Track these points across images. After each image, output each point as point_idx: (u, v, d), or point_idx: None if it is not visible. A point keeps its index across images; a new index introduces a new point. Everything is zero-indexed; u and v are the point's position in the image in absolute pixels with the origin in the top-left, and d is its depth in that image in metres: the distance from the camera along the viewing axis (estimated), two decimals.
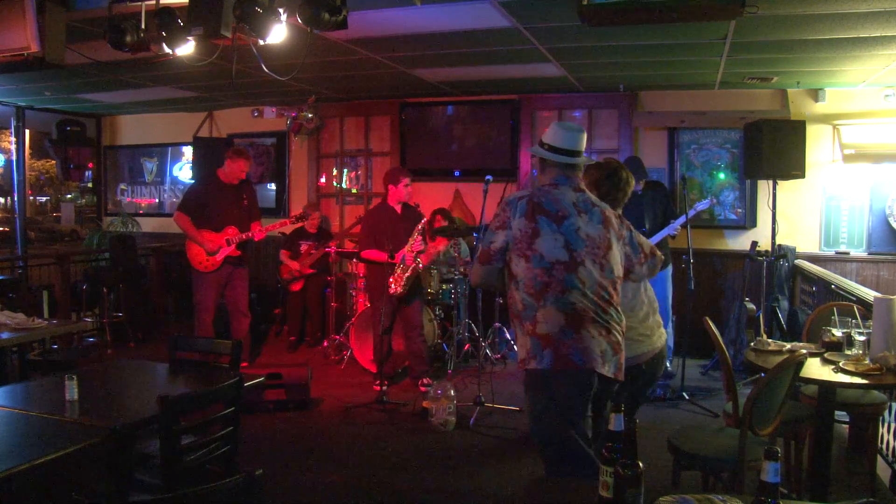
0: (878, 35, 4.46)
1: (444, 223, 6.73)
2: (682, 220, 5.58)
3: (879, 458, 3.90)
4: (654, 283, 5.77)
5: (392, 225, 5.59)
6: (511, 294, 2.79)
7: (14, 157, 8.43)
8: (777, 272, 6.15)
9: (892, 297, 3.29)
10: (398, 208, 5.67)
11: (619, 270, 2.81)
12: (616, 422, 1.71)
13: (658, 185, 5.83)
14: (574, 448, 2.65)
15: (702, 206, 5.73)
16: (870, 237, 6.55)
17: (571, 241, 2.69)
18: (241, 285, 6.07)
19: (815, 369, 3.21)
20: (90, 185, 11.96)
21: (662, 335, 3.13)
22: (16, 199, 8.52)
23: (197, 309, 5.95)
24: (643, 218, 5.79)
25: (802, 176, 5.96)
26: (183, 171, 9.08)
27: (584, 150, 2.92)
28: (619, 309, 2.79)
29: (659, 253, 3.04)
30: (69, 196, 28.98)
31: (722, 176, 6.94)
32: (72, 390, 2.85)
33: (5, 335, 4.13)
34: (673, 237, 5.61)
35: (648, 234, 5.73)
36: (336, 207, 8.33)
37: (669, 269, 5.87)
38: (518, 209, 2.73)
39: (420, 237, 5.47)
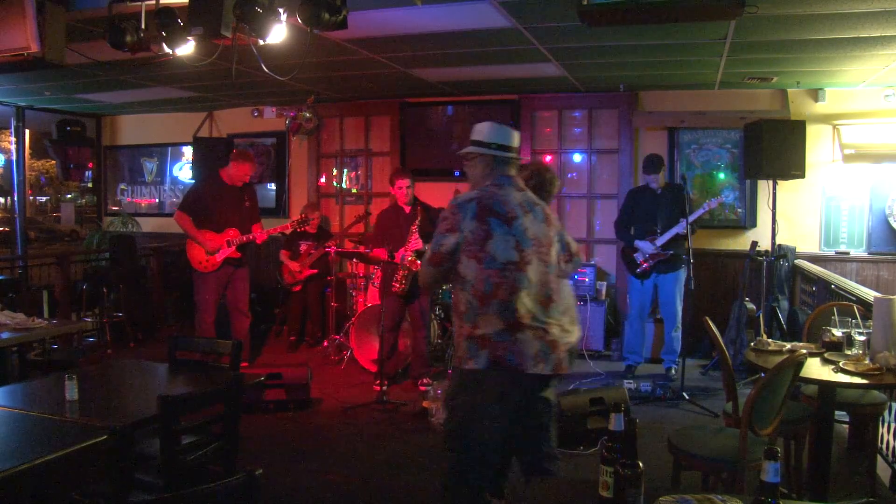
0: (878, 35, 4.46)
1: None
2: (691, 217, 5.58)
3: (879, 458, 3.90)
4: (667, 285, 5.81)
5: (397, 225, 5.63)
6: (456, 294, 2.85)
7: (14, 157, 8.42)
8: (777, 272, 6.15)
9: (892, 297, 3.29)
10: (407, 209, 5.69)
11: (556, 266, 2.93)
12: (616, 422, 1.71)
13: (679, 187, 5.81)
14: (481, 458, 2.76)
15: (711, 204, 5.75)
16: (870, 237, 6.55)
17: (521, 242, 2.77)
18: (242, 286, 6.07)
19: (815, 369, 3.21)
20: (90, 185, 11.93)
21: (577, 332, 3.12)
22: (16, 199, 8.52)
23: (197, 309, 5.96)
24: (656, 217, 5.80)
25: (802, 176, 5.96)
26: (183, 171, 9.08)
27: (517, 147, 2.97)
28: (560, 302, 2.87)
29: (581, 256, 3.17)
30: (69, 196, 28.98)
31: (722, 176, 6.94)
32: (72, 390, 2.86)
33: (5, 335, 4.13)
34: (683, 235, 5.58)
35: (660, 234, 5.77)
36: (336, 207, 8.33)
37: (682, 271, 5.84)
38: (468, 212, 2.77)
39: (417, 237, 5.48)
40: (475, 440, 2.75)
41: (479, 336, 2.73)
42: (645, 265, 5.87)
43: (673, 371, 5.90)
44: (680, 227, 5.61)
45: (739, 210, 6.88)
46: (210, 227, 5.82)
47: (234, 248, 5.87)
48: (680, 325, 5.83)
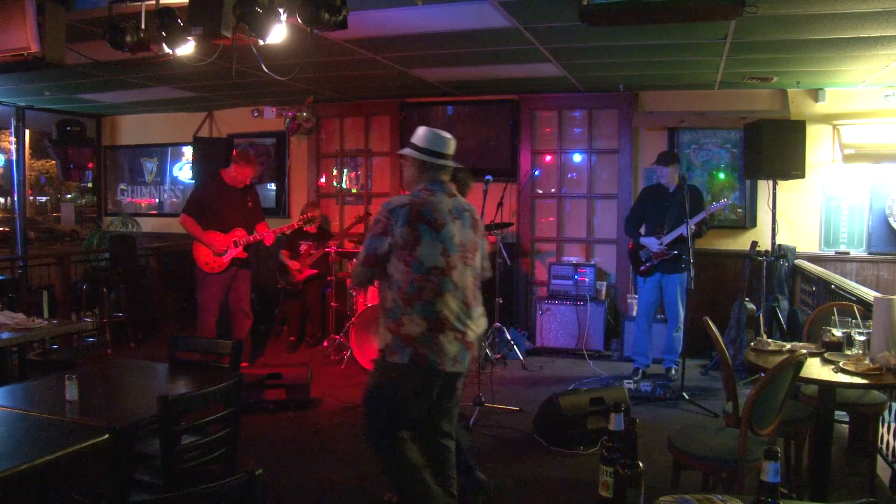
0: (878, 35, 4.46)
1: None
2: (697, 218, 5.58)
3: (879, 458, 3.90)
4: (671, 286, 5.76)
5: None
6: (383, 291, 3.01)
7: (14, 157, 8.42)
8: (777, 272, 6.15)
9: (892, 297, 3.29)
10: None
11: (479, 270, 3.12)
12: (616, 422, 1.71)
13: (693, 188, 5.76)
14: (404, 447, 2.99)
15: (717, 206, 5.74)
16: (870, 237, 6.55)
17: (448, 248, 2.92)
18: (244, 286, 6.07)
19: (815, 369, 3.21)
20: (90, 185, 11.94)
21: (484, 323, 3.26)
22: (16, 199, 8.52)
23: (201, 310, 5.94)
24: (664, 216, 5.75)
25: (802, 176, 5.96)
26: (183, 171, 9.08)
27: (451, 154, 3.09)
28: (477, 305, 3.09)
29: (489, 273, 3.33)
30: (69, 196, 28.98)
31: (722, 176, 6.94)
32: (72, 390, 2.85)
33: (5, 335, 4.13)
34: (686, 236, 5.55)
35: (666, 233, 5.74)
36: (336, 207, 8.33)
37: (685, 274, 5.74)
38: (400, 217, 2.90)
39: None
40: (395, 421, 2.98)
41: (404, 335, 2.91)
42: (648, 263, 5.85)
43: (673, 371, 5.90)
44: (684, 229, 5.53)
45: (739, 210, 6.88)
46: (215, 228, 5.82)
47: (241, 248, 5.87)
48: (682, 326, 5.81)
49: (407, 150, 3.08)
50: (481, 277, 3.18)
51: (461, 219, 3.00)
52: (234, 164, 5.94)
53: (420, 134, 3.08)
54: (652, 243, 5.80)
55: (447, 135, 3.09)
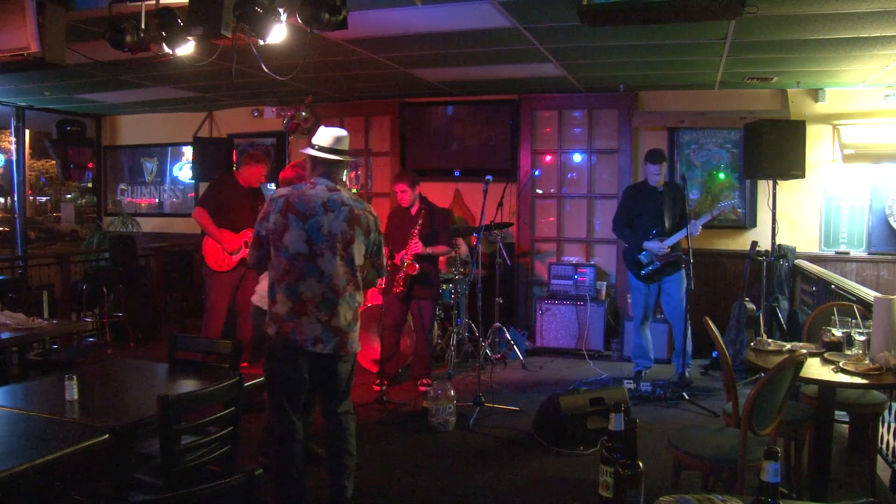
0: (878, 35, 4.46)
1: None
2: (704, 219, 5.55)
3: (879, 458, 3.90)
4: (671, 286, 5.71)
5: (402, 226, 5.61)
6: (268, 273, 3.31)
7: (14, 157, 8.42)
8: (777, 272, 6.15)
9: (892, 297, 3.29)
10: (413, 210, 5.64)
11: (360, 259, 3.32)
12: (616, 422, 1.71)
13: (677, 186, 5.74)
14: (278, 410, 3.28)
15: (724, 206, 5.70)
16: (870, 237, 6.55)
17: (313, 237, 3.18)
18: (252, 286, 6.05)
19: (815, 369, 3.21)
20: (90, 185, 11.94)
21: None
22: (16, 199, 8.51)
23: (209, 312, 5.84)
24: (662, 216, 5.64)
25: (802, 176, 5.96)
26: (183, 171, 9.08)
27: (346, 149, 3.39)
28: (358, 292, 3.33)
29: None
30: (69, 196, 28.97)
31: (722, 176, 6.94)
32: (72, 390, 2.85)
33: (5, 335, 4.13)
34: (688, 238, 5.54)
35: (668, 234, 5.61)
36: None
37: (682, 272, 5.70)
38: (276, 206, 3.23)
39: (417, 240, 5.46)
40: (273, 386, 3.31)
41: (274, 312, 3.23)
42: (650, 267, 5.71)
43: (687, 374, 5.65)
44: (694, 229, 5.49)
45: (739, 210, 6.88)
46: (227, 227, 5.78)
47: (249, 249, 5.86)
48: (689, 326, 5.65)
49: (305, 149, 3.39)
50: (371, 272, 3.45)
51: (336, 211, 3.24)
52: (244, 165, 5.88)
53: (318, 133, 3.38)
54: (656, 247, 5.61)
55: (342, 132, 3.39)
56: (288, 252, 3.19)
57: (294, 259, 3.18)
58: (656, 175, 5.69)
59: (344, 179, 3.59)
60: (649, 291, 5.85)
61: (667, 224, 5.64)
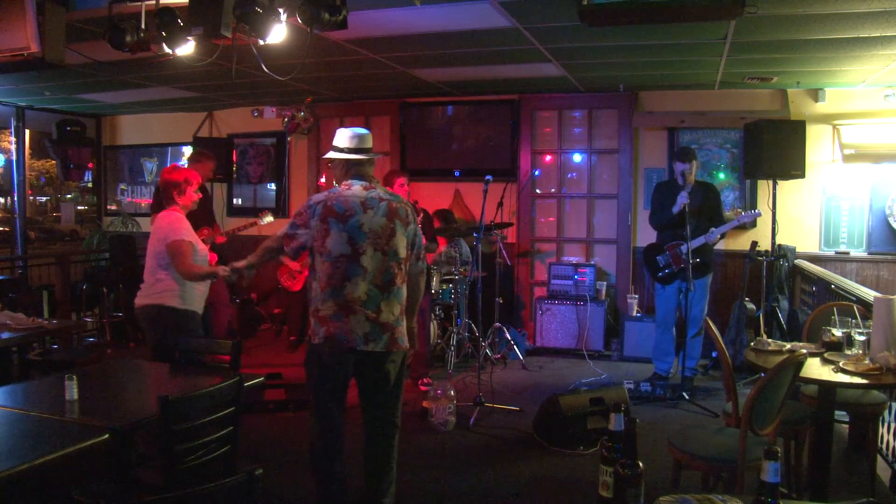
0: (878, 35, 4.46)
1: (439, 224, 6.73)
2: (724, 228, 5.51)
3: (879, 458, 3.90)
4: (699, 292, 5.59)
5: None
6: (311, 282, 3.29)
7: (14, 157, 8.42)
8: (777, 272, 6.15)
9: (892, 297, 3.29)
10: None
11: (403, 252, 3.29)
12: (616, 422, 1.71)
13: (709, 186, 5.61)
14: (324, 416, 3.26)
15: (746, 217, 5.63)
16: (870, 237, 6.55)
17: (354, 236, 3.17)
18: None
19: (815, 369, 3.21)
20: (90, 185, 11.94)
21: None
22: (16, 199, 8.51)
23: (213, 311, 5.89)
24: (689, 218, 5.34)
25: (802, 176, 5.96)
26: None
27: (371, 147, 3.37)
28: (404, 286, 3.31)
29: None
30: (69, 196, 28.96)
31: (722, 176, 6.94)
32: (72, 390, 2.85)
33: (5, 335, 4.13)
34: (710, 244, 5.51)
35: (688, 238, 5.37)
36: None
37: (709, 276, 5.67)
38: (316, 212, 3.21)
39: None
40: (319, 389, 3.26)
41: (320, 317, 3.18)
42: (668, 270, 5.64)
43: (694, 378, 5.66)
44: (710, 237, 5.44)
45: (739, 210, 6.87)
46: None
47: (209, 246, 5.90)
48: (702, 330, 5.58)
49: (330, 153, 3.36)
50: (412, 264, 3.38)
51: (374, 209, 3.22)
52: (196, 162, 6.00)
53: (339, 135, 3.35)
54: (684, 250, 5.44)
55: (363, 130, 3.37)
56: (331, 255, 3.16)
57: (337, 261, 3.16)
58: (686, 173, 5.46)
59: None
60: (669, 294, 5.74)
61: (692, 227, 5.38)
